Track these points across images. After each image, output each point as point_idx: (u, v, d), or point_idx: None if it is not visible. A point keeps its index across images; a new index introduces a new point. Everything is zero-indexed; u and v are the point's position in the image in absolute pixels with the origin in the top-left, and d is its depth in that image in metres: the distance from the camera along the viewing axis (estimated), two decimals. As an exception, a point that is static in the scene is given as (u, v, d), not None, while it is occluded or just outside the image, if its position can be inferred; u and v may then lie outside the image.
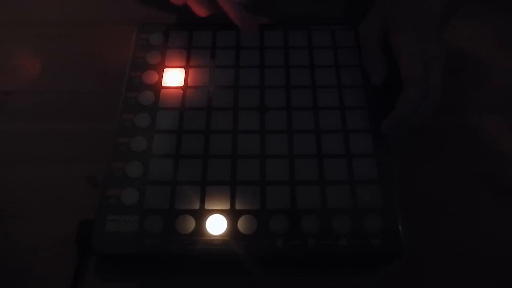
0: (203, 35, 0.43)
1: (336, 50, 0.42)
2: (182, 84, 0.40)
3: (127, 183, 0.35)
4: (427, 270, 0.34)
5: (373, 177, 0.35)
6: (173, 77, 0.40)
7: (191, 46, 0.42)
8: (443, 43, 0.38)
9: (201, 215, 0.33)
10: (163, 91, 0.39)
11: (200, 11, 0.40)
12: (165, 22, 0.44)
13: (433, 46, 0.37)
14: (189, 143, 0.37)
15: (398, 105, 0.36)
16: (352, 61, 0.41)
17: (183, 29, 0.43)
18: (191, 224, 0.33)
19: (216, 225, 0.33)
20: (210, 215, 0.33)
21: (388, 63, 0.39)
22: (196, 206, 0.34)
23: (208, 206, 0.34)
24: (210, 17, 0.42)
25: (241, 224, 0.33)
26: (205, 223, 0.33)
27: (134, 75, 0.40)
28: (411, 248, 0.33)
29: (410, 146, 0.39)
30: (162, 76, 0.40)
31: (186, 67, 0.41)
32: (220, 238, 0.33)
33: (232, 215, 0.33)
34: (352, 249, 0.32)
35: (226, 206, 0.34)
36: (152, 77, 0.40)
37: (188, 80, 0.40)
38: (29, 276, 0.34)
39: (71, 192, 0.37)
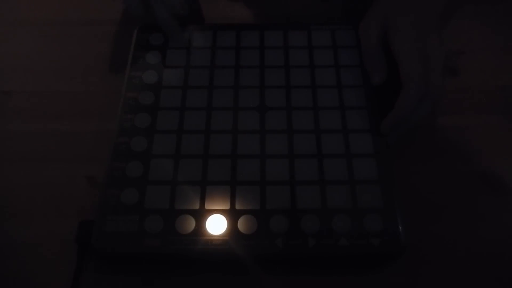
0: (203, 35, 0.43)
1: (336, 50, 0.42)
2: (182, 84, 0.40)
3: (127, 183, 0.35)
4: (427, 270, 0.34)
5: (373, 177, 0.35)
6: (174, 79, 0.40)
7: (191, 46, 0.42)
8: (442, 42, 0.38)
9: (201, 215, 0.33)
10: (163, 91, 0.40)
11: None
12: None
13: (432, 45, 0.37)
14: (189, 143, 0.37)
15: (398, 105, 0.36)
16: (352, 61, 0.41)
17: (183, 29, 0.43)
18: (191, 224, 0.33)
19: (216, 225, 0.33)
20: (210, 215, 0.33)
21: (388, 63, 0.39)
22: (196, 206, 0.34)
23: (208, 206, 0.34)
24: (210, 17, 0.43)
25: (241, 224, 0.33)
26: (205, 223, 0.33)
27: (134, 75, 0.40)
28: (411, 248, 0.33)
29: (410, 146, 0.39)
30: (162, 76, 0.40)
31: (186, 67, 0.41)
32: (220, 238, 0.33)
33: (232, 215, 0.33)
34: (352, 249, 0.32)
35: (226, 206, 0.34)
36: (152, 77, 0.40)
37: (189, 80, 0.40)
38: (29, 275, 0.34)
39: (71, 192, 0.37)
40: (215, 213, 0.34)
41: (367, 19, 0.41)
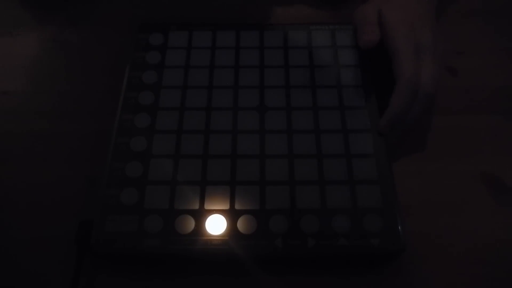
0: (203, 35, 0.43)
1: (336, 50, 0.42)
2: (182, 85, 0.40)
3: (126, 183, 0.35)
4: (426, 270, 0.34)
5: (372, 177, 0.35)
6: (173, 79, 0.40)
7: (191, 46, 0.42)
8: (438, 39, 0.38)
9: (200, 215, 0.34)
10: (163, 91, 0.40)
11: None
12: (165, 22, 0.44)
13: (426, 39, 0.37)
14: (189, 143, 0.37)
15: (392, 101, 0.36)
16: (352, 61, 0.41)
17: (183, 29, 0.43)
18: (190, 224, 0.33)
19: (216, 225, 0.33)
20: (210, 215, 0.34)
21: (386, 60, 0.39)
22: (196, 206, 0.34)
23: (208, 206, 0.34)
24: (210, 17, 0.43)
25: (240, 224, 0.33)
26: (204, 223, 0.33)
27: (134, 75, 0.40)
28: (411, 248, 0.33)
29: (409, 146, 0.39)
30: (161, 76, 0.40)
31: (186, 67, 0.41)
32: (219, 238, 0.33)
33: (231, 215, 0.34)
34: (351, 249, 0.32)
35: (225, 206, 0.34)
36: (151, 77, 0.40)
37: (188, 80, 0.40)
38: (29, 275, 0.34)
39: (71, 192, 0.37)
40: (214, 213, 0.34)
41: (363, 7, 0.41)
